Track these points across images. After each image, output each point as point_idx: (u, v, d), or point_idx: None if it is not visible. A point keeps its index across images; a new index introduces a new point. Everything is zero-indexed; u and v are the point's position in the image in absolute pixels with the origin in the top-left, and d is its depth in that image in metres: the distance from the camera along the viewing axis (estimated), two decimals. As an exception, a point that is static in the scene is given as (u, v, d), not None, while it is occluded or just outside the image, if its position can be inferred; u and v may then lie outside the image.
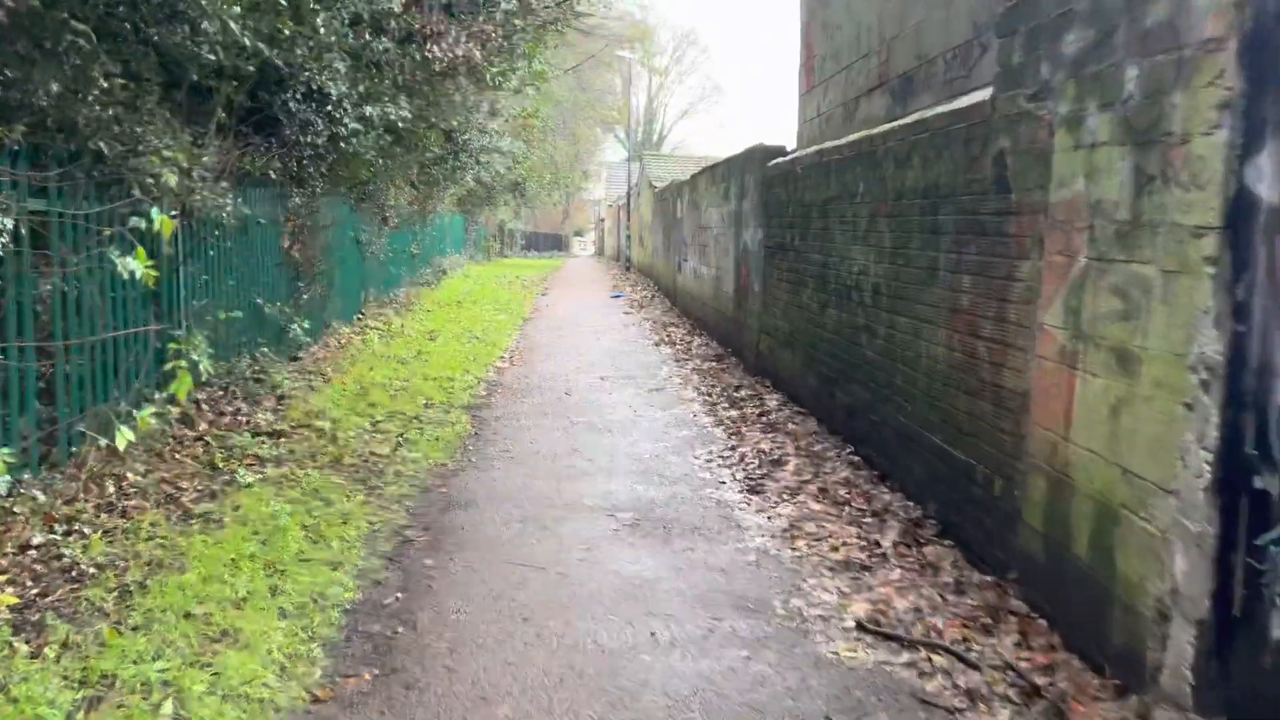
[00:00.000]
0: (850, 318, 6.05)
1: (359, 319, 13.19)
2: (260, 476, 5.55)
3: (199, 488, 5.25)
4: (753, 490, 5.26)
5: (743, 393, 8.16)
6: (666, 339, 12.43)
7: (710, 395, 8.26)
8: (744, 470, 5.68)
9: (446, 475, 5.88)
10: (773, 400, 7.64)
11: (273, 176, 8.73)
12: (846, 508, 4.88)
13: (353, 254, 13.16)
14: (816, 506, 4.87)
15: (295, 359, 8.79)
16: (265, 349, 8.40)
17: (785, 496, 5.11)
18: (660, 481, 5.61)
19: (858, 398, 5.83)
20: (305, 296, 10.01)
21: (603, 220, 63.30)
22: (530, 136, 21.36)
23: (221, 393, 7.23)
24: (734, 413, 7.41)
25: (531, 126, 20.18)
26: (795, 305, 7.53)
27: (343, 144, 8.87)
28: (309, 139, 8.64)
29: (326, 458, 6.09)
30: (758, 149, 9.12)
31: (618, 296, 20.04)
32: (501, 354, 11.29)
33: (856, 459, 5.74)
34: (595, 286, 24.45)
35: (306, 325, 9.74)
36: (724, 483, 5.50)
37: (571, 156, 34.92)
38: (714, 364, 10.06)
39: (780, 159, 8.44)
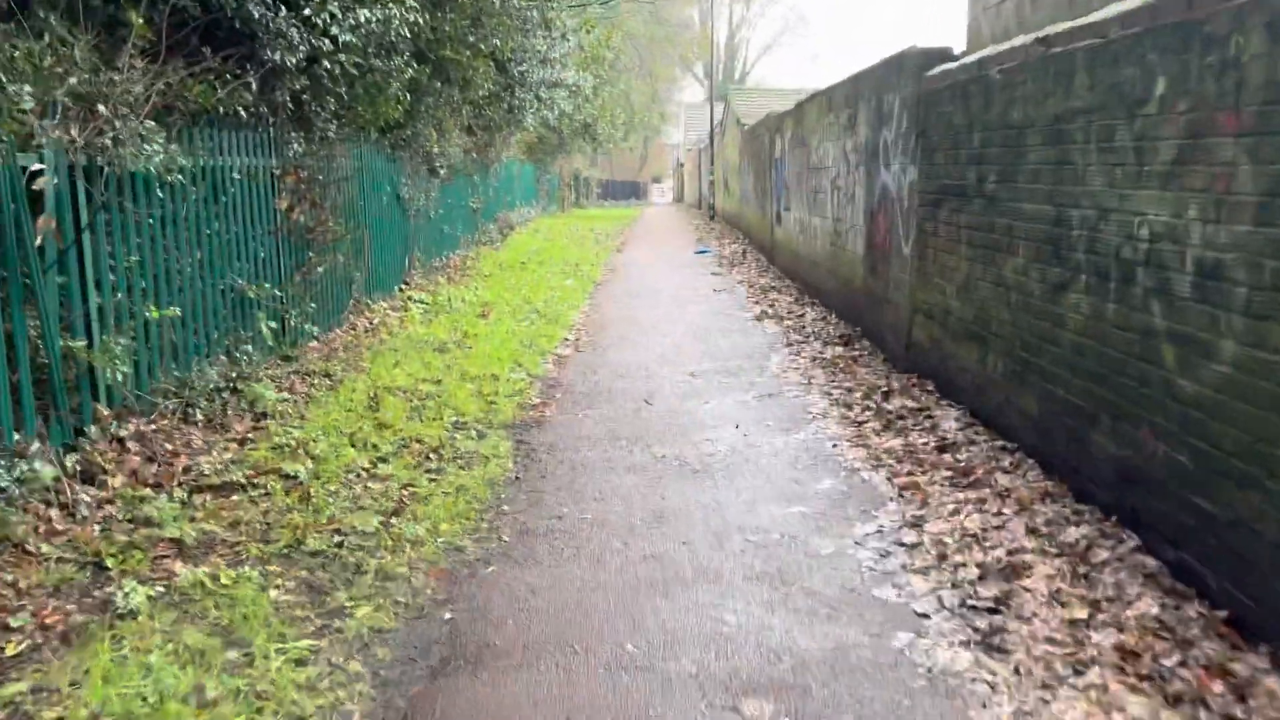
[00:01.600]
0: (1127, 314, 3.57)
1: (402, 289, 11.13)
2: (161, 591, 3.46)
3: (43, 630, 3.17)
4: (989, 647, 2.91)
5: (896, 403, 5.74)
6: (769, 310, 10.00)
7: (849, 406, 5.87)
8: (953, 587, 3.31)
9: (458, 576, 3.68)
10: (950, 420, 5.20)
11: (253, 114, 6.59)
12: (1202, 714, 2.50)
13: (392, 213, 11.06)
14: (1137, 711, 2.49)
15: (287, 358, 6.69)
16: (250, 347, 6.35)
17: (1057, 668, 2.74)
18: (809, 610, 3.30)
19: (1155, 457, 3.37)
20: (319, 270, 7.94)
21: (681, 165, 60.33)
22: (600, 70, 18.88)
23: (169, 419, 5.20)
24: (894, 441, 5.01)
25: (601, 58, 17.67)
26: (987, 280, 5.04)
27: (331, 65, 6.63)
28: (295, 61, 6.44)
29: (282, 539, 3.97)
30: (909, 54, 6.54)
31: (703, 252, 17.58)
32: (565, 335, 9.06)
33: (1154, 564, 3.30)
34: (676, 239, 21.99)
35: (313, 308, 7.66)
36: (926, 619, 3.14)
37: (648, 96, 32.16)
38: (840, 350, 7.62)
39: (947, 65, 5.87)
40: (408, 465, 4.94)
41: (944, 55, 6.22)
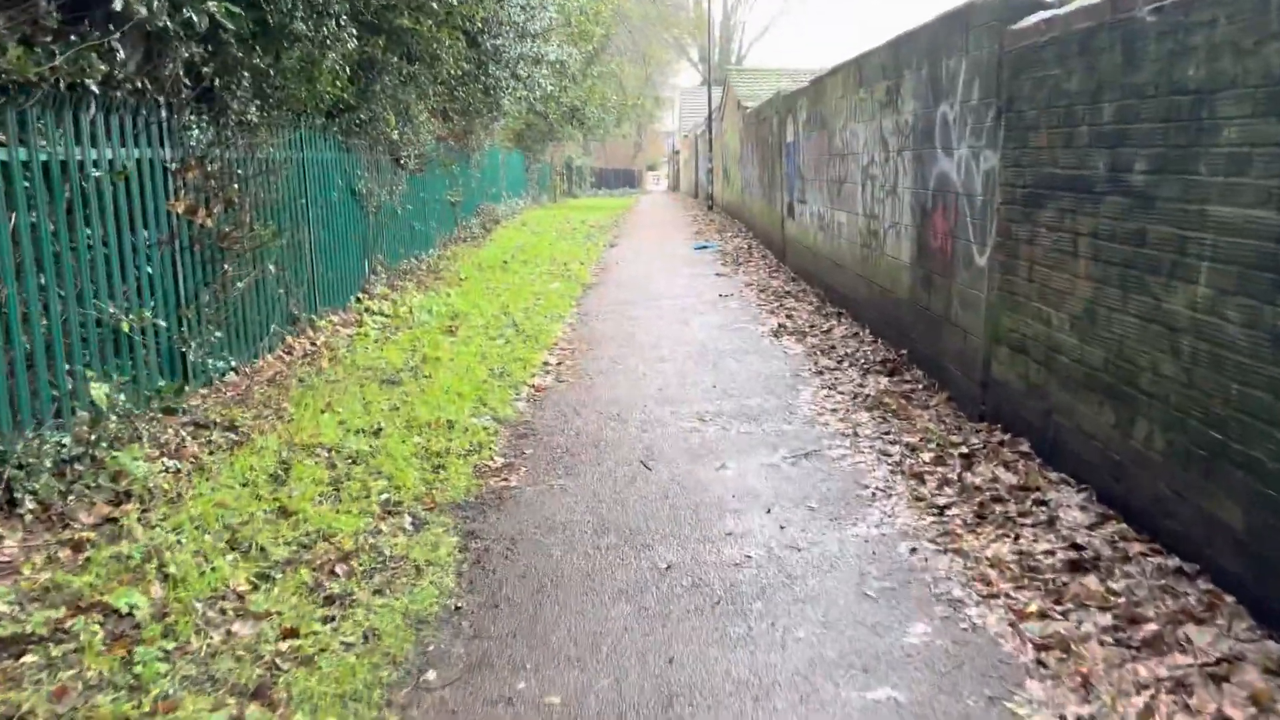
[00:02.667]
0: None
1: (360, 300, 9.61)
2: None
3: None
4: None
5: (983, 472, 4.22)
6: (788, 323, 8.48)
7: (918, 477, 4.35)
8: None
9: None
10: (1073, 509, 3.68)
11: (136, 91, 5.06)
12: None
13: (346, 211, 9.51)
14: None
15: (171, 411, 5.15)
16: (124, 396, 4.82)
17: None
18: None
19: None
20: (239, 285, 6.41)
21: (677, 153, 58.68)
22: (588, 46, 17.26)
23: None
24: (1000, 545, 3.50)
25: (589, 34, 16.07)
26: (1132, 312, 3.53)
27: (191, 15, 5.09)
28: (174, 24, 4.89)
29: (56, 765, 2.47)
30: (980, 4, 5.00)
31: (704, 248, 16.03)
32: (545, 359, 7.54)
33: None
34: (674, 232, 20.43)
35: (219, 337, 6.12)
36: None
37: (641, 80, 30.51)
38: (886, 382, 6.10)
39: (1049, 12, 4.33)
40: (300, 589, 3.42)
41: (1032, 5, 4.69)
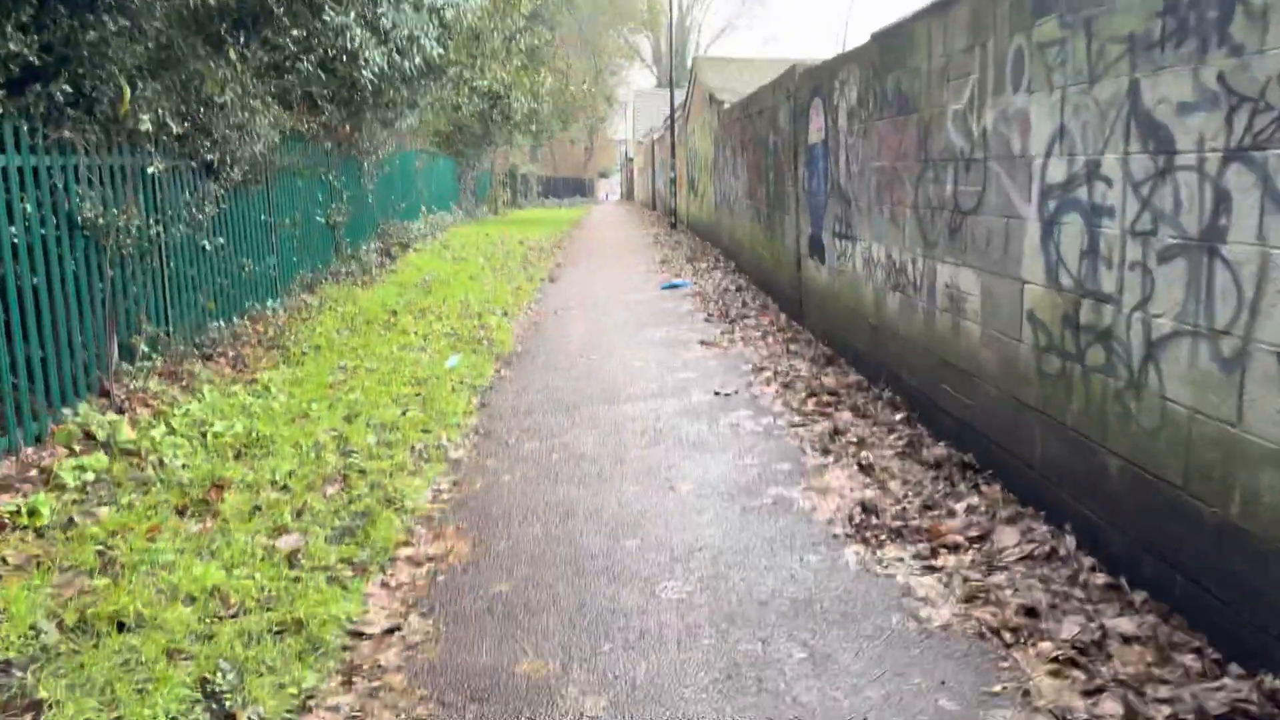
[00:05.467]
0: None
1: (77, 415, 5.31)
2: None
3: None
4: None
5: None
6: (877, 482, 4.36)
7: None
8: None
9: None
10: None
11: None
12: None
13: (51, 254, 5.24)
14: None
15: None
16: None
17: None
18: None
19: None
20: None
21: (631, 160, 54.76)
22: (516, 13, 13.07)
23: None
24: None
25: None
26: None
27: None
28: None
29: None
30: None
31: (675, 286, 11.91)
32: (334, 673, 3.28)
33: None
34: (632, 259, 16.28)
35: None
36: None
37: (591, 76, 26.37)
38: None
39: None
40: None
41: None
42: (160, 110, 6.09)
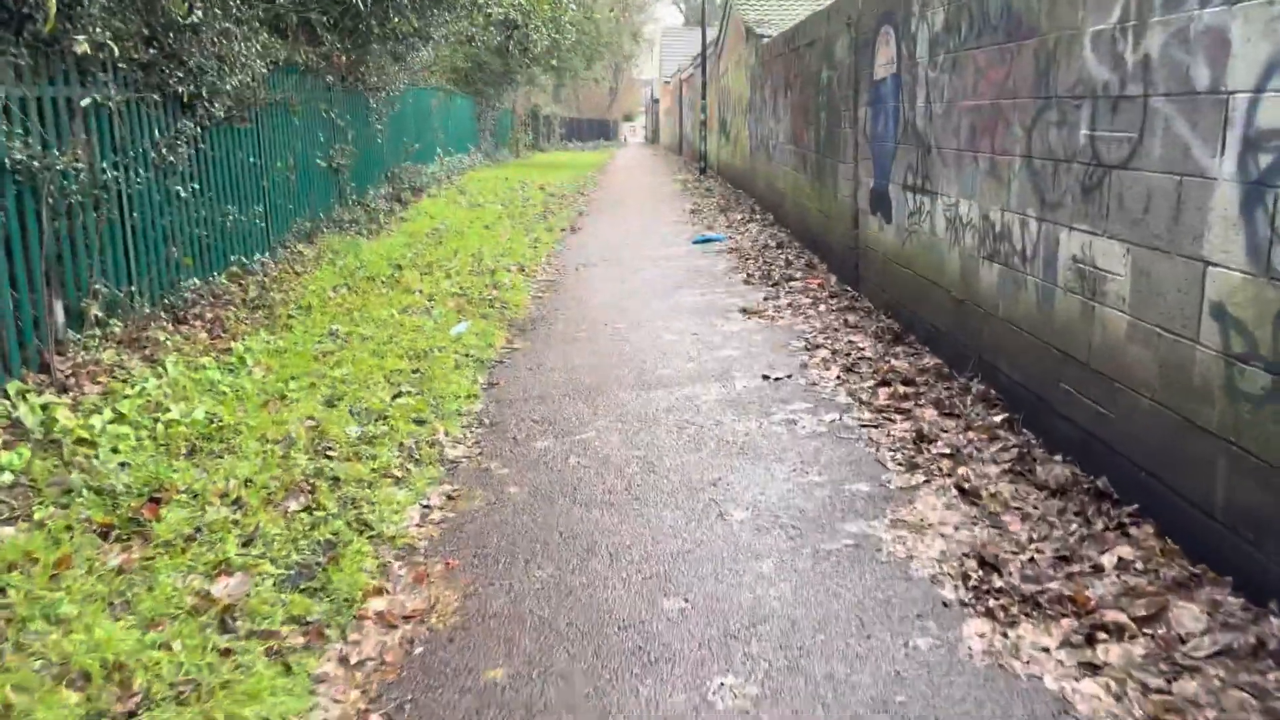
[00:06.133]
0: None
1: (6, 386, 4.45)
2: None
3: None
4: None
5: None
6: (988, 516, 3.41)
7: None
8: None
9: None
10: None
11: None
12: None
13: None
14: None
15: None
16: None
17: None
18: None
19: None
20: None
21: (657, 102, 52.99)
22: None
23: None
24: None
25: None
26: None
27: None
28: None
29: None
30: None
31: (707, 240, 10.87)
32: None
33: None
34: (660, 208, 15.18)
35: None
36: None
37: (618, 16, 24.87)
38: None
39: None
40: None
41: None
42: (100, 29, 5.08)
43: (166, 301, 6.28)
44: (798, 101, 10.02)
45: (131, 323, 5.77)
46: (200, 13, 6.19)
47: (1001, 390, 4.50)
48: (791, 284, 7.81)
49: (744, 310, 6.95)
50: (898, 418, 4.42)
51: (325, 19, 8.96)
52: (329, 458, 4.16)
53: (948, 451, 3.93)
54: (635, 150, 46.69)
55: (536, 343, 6.36)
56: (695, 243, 10.77)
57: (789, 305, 7.05)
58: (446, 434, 4.52)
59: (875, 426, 4.33)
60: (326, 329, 6.44)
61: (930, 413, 4.44)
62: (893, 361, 5.28)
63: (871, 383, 4.95)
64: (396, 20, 9.55)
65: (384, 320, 6.72)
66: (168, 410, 4.60)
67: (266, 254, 8.11)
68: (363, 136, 12.02)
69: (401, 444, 4.33)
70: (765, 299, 7.33)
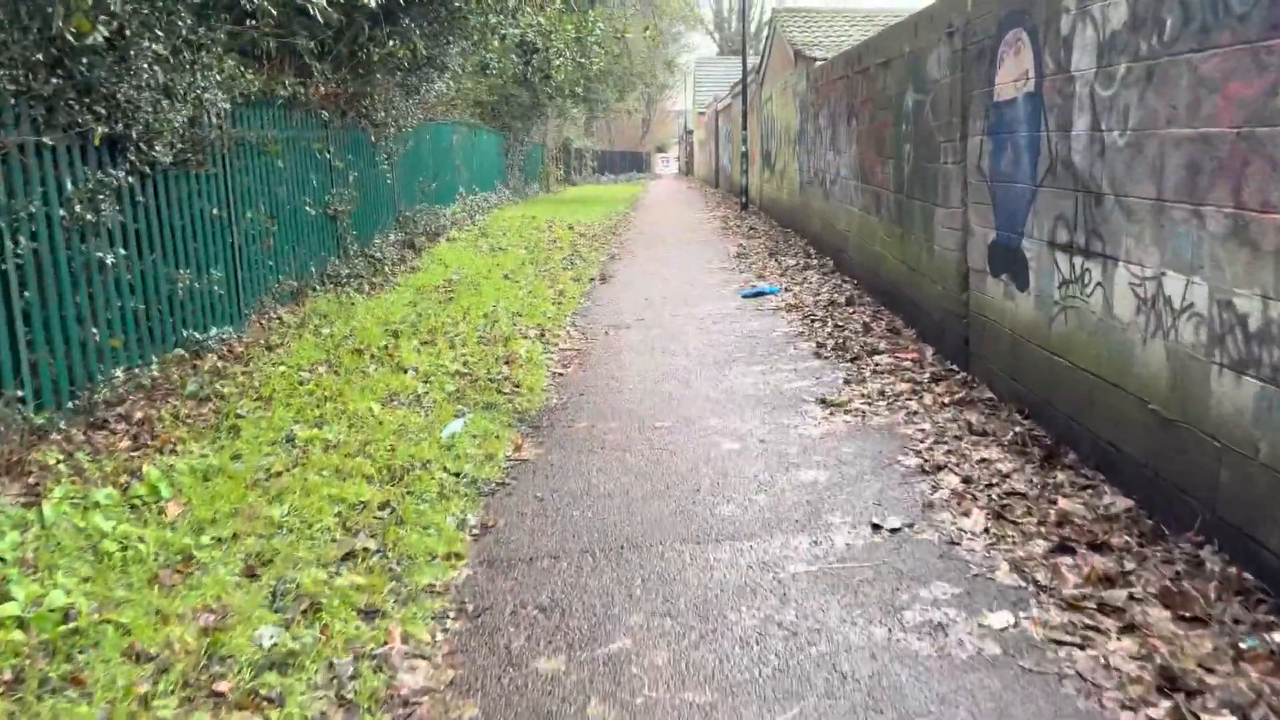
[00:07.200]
0: None
1: None
2: None
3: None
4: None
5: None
6: None
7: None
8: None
9: None
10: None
11: None
12: None
13: None
14: None
15: None
16: None
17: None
18: None
19: None
20: None
21: (690, 133, 51.82)
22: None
23: None
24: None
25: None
26: None
27: None
28: None
29: None
30: None
31: (759, 294, 9.30)
32: None
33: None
34: (701, 251, 13.65)
35: None
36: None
37: (653, 36, 23.60)
38: None
39: None
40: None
41: None
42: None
43: (75, 403, 4.85)
44: (867, 130, 8.47)
45: (17, 438, 4.34)
46: (114, 34, 4.80)
47: (1263, 571, 2.87)
48: (877, 359, 6.21)
49: (823, 401, 5.36)
50: (1108, 623, 2.80)
51: (311, 45, 7.61)
52: (214, 698, 2.64)
53: (1224, 706, 2.30)
54: (669, 182, 45.42)
55: (552, 450, 4.82)
56: (745, 296, 9.22)
57: (880, 393, 5.45)
58: (405, 640, 2.98)
59: (1079, 645, 2.72)
60: (284, 432, 4.97)
61: (1158, 613, 2.82)
62: (1060, 502, 3.65)
63: (1043, 545, 3.33)
64: (394, 46, 8.17)
65: (360, 416, 5.24)
66: (9, 598, 3.13)
67: (230, 326, 6.69)
68: (367, 178, 10.69)
69: (332, 665, 2.80)
70: (846, 382, 5.74)
